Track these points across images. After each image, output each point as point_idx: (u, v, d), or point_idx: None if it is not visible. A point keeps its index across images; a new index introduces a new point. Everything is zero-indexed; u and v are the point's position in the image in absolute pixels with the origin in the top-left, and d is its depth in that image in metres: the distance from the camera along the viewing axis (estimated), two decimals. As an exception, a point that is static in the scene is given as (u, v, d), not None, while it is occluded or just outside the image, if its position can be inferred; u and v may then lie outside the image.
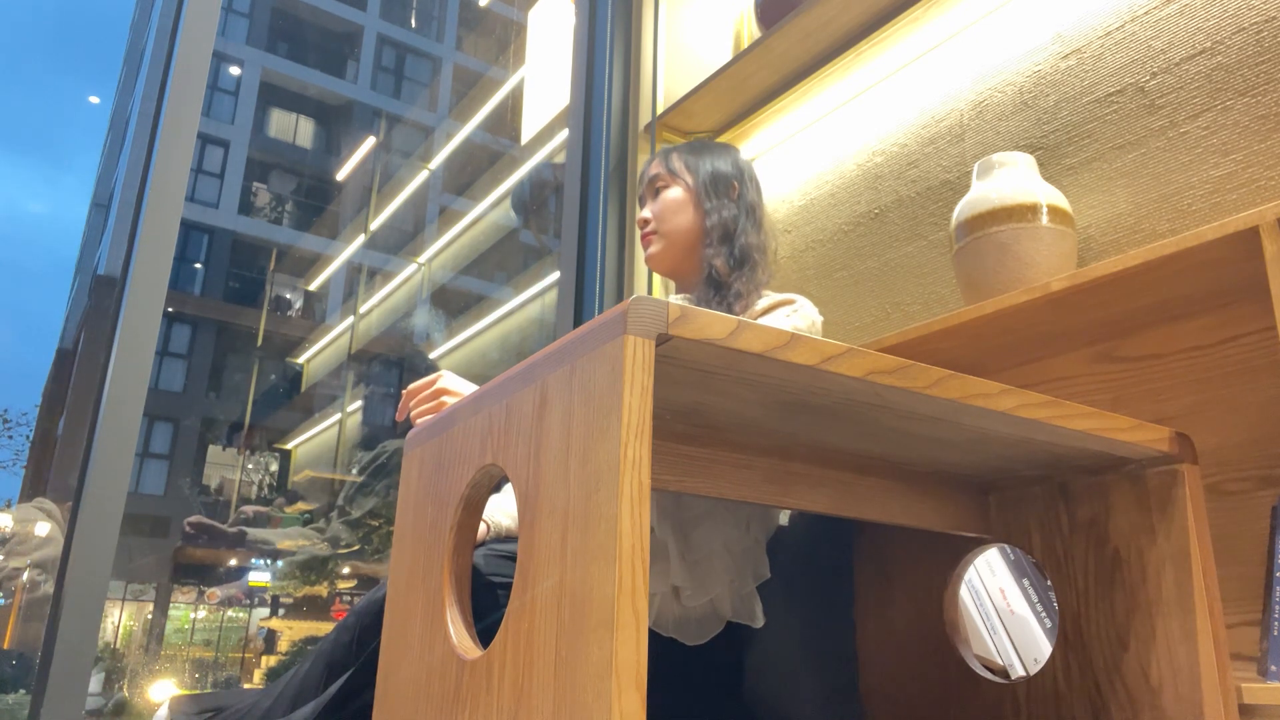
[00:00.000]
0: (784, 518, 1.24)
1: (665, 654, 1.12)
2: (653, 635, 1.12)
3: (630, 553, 0.55)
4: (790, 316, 1.24)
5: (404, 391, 1.18)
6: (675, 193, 1.37)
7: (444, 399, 1.14)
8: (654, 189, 1.39)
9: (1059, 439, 0.85)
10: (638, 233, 2.04)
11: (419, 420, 1.14)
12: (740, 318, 0.63)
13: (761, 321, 1.23)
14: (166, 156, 1.61)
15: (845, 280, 1.77)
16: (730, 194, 1.36)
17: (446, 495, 0.80)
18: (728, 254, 1.30)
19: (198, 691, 1.81)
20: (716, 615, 1.14)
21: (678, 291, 1.43)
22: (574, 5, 2.35)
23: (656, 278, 2.01)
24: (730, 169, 1.38)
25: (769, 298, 1.28)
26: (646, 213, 1.39)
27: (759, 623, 1.15)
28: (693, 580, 1.12)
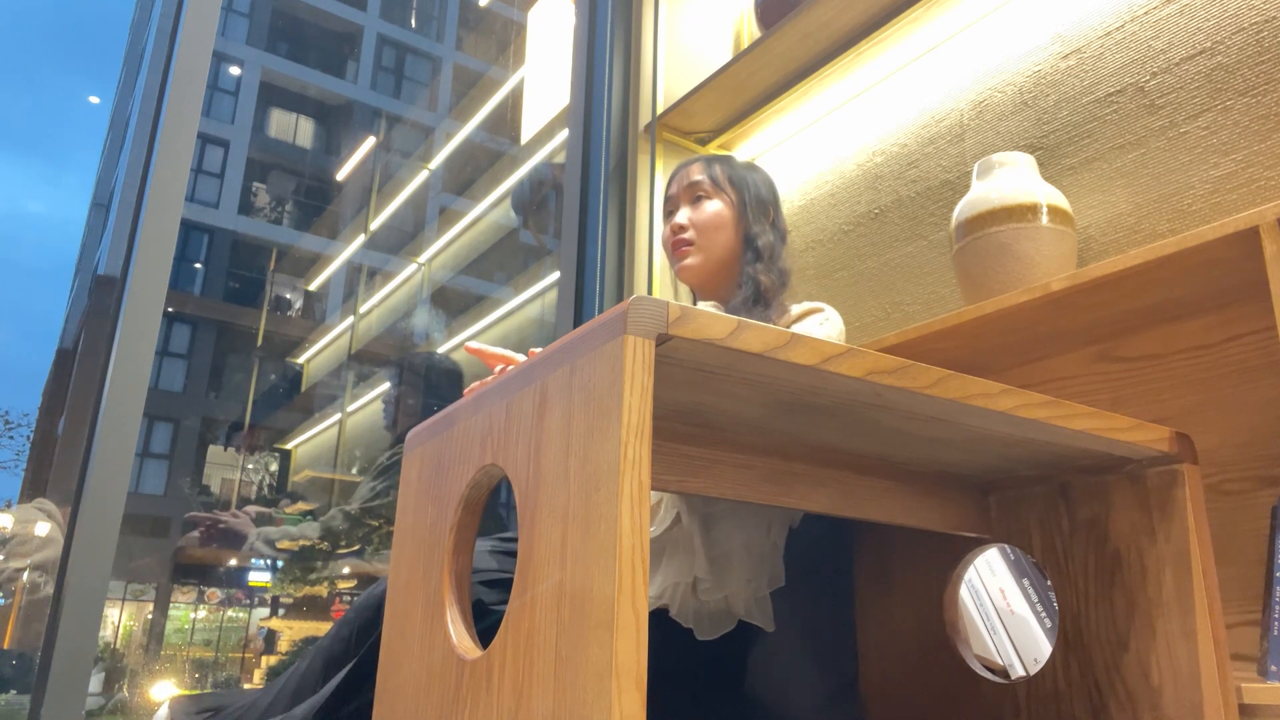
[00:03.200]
0: (795, 520, 1.25)
1: (678, 645, 1.13)
2: (673, 624, 1.13)
3: (630, 553, 0.55)
4: (823, 325, 1.27)
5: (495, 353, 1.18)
6: (717, 206, 1.36)
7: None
8: (693, 196, 1.38)
9: (1059, 439, 0.85)
10: (638, 233, 2.04)
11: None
12: (740, 318, 0.63)
13: (796, 328, 1.26)
14: (166, 156, 1.61)
15: (845, 280, 1.77)
16: (768, 218, 1.38)
17: (446, 495, 0.80)
18: (766, 271, 1.32)
19: (198, 692, 1.81)
20: (729, 613, 1.15)
21: (700, 297, 1.43)
22: (574, 5, 2.35)
23: (656, 278, 2.01)
24: (768, 195, 1.40)
25: (798, 306, 1.31)
26: (683, 219, 1.37)
27: (772, 626, 1.15)
28: (711, 575, 1.13)
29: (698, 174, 1.39)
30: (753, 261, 1.33)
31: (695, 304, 1.45)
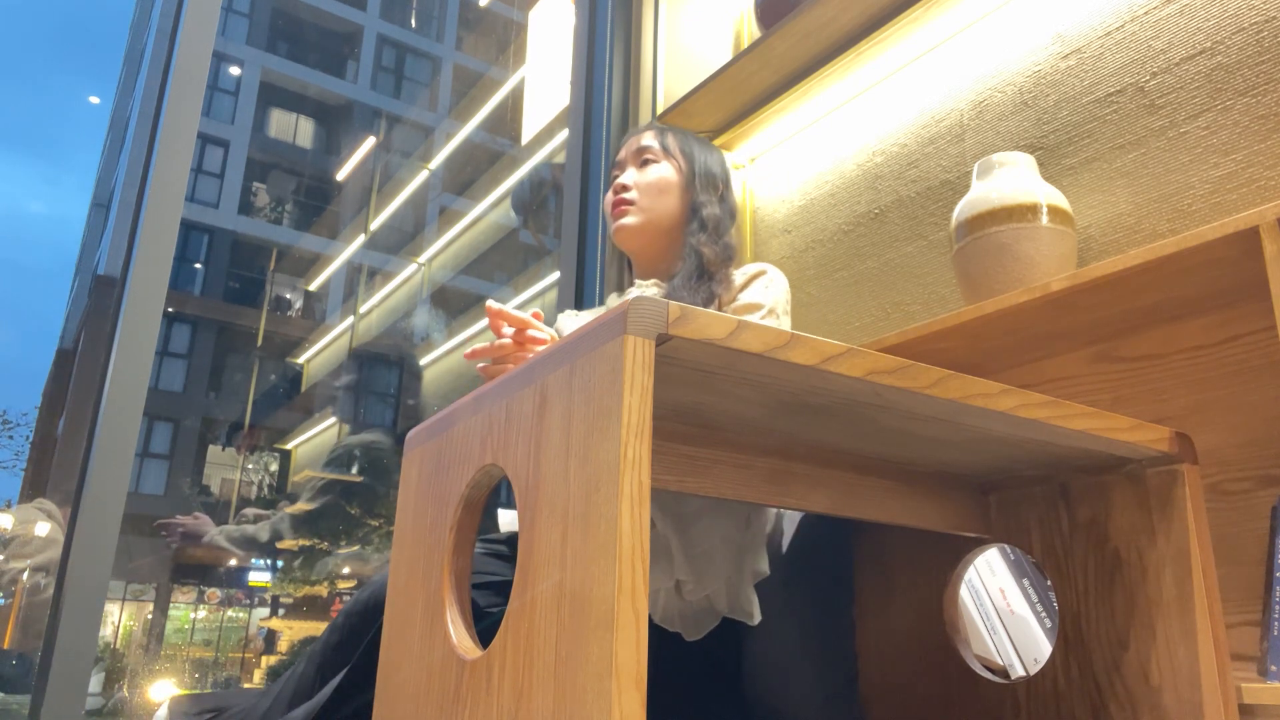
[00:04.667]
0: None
1: (671, 648, 1.13)
2: (659, 629, 1.13)
3: (630, 553, 0.55)
4: (769, 288, 1.25)
5: (495, 311, 1.08)
6: (665, 170, 1.34)
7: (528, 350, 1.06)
8: (640, 159, 1.36)
9: (1059, 439, 0.85)
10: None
11: (482, 365, 1.07)
12: (741, 318, 0.63)
13: (743, 295, 1.24)
14: (166, 156, 1.61)
15: (845, 280, 1.77)
16: (716, 192, 1.36)
17: (446, 495, 0.80)
18: (711, 243, 1.29)
19: (198, 691, 1.81)
20: (713, 610, 1.15)
21: (638, 273, 1.39)
22: (574, 5, 2.35)
23: (656, 278, 2.01)
24: (719, 171, 1.38)
25: (742, 272, 1.29)
26: (628, 179, 1.34)
27: (755, 620, 1.15)
28: (692, 574, 1.13)
29: (648, 139, 1.36)
30: (697, 232, 1.29)
31: (632, 280, 1.40)
